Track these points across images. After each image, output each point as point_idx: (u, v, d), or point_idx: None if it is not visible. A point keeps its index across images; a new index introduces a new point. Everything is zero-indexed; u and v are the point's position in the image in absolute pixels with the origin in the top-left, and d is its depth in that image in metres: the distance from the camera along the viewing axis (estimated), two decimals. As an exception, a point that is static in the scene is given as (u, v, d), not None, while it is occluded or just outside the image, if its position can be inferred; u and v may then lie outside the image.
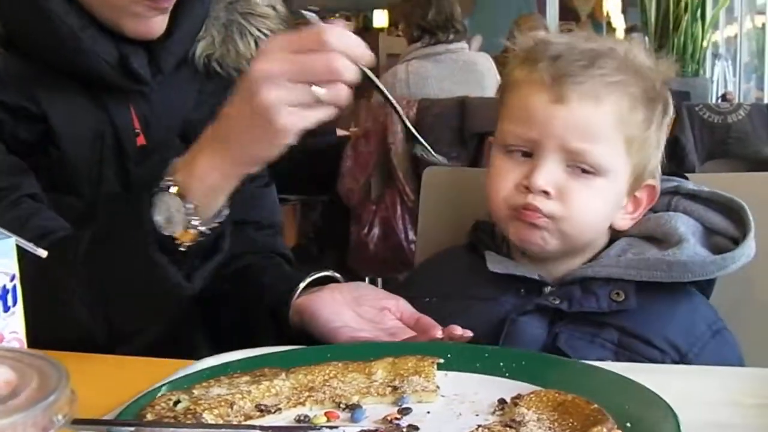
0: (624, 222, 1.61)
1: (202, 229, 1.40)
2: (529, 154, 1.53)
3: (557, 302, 1.51)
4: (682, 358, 1.47)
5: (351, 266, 4.91)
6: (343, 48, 1.25)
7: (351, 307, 1.53)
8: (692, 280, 1.50)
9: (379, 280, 5.27)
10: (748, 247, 1.51)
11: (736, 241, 1.53)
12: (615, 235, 1.63)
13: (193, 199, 1.38)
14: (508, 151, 1.56)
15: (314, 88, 1.26)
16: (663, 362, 1.45)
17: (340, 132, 6.32)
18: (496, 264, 1.60)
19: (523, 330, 1.50)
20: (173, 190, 1.38)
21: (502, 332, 1.50)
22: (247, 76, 1.30)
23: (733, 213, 1.57)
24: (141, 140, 1.68)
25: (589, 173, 1.51)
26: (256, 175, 1.84)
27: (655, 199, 1.61)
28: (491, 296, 1.57)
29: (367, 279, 5.36)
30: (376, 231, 4.63)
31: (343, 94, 1.27)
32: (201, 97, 1.76)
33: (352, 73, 1.26)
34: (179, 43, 1.69)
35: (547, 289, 1.56)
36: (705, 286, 1.56)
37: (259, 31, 1.76)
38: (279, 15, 1.80)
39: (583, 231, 1.55)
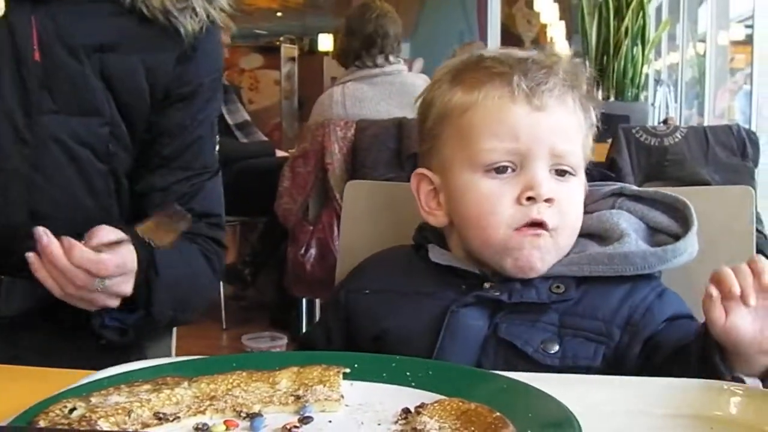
0: None
1: None
2: (513, 168, 1.51)
3: (497, 294, 1.50)
4: (627, 322, 1.47)
5: (287, 287, 4.89)
6: None
7: None
8: (634, 273, 1.49)
9: (317, 301, 5.24)
10: (691, 244, 1.51)
11: (679, 238, 1.53)
12: None
13: None
14: (487, 171, 1.52)
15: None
16: (608, 332, 1.46)
17: (279, 153, 6.31)
18: (438, 255, 1.59)
19: (464, 321, 1.49)
20: None
21: (443, 325, 1.49)
22: None
23: (678, 212, 1.57)
24: (36, 56, 1.65)
25: (567, 175, 1.53)
26: (196, 172, 1.82)
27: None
28: (431, 291, 1.56)
29: (304, 300, 5.34)
30: (312, 251, 4.61)
31: None
32: (130, 42, 1.74)
33: None
34: None
35: (487, 285, 1.54)
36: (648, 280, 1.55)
37: None
38: None
39: (571, 238, 1.56)
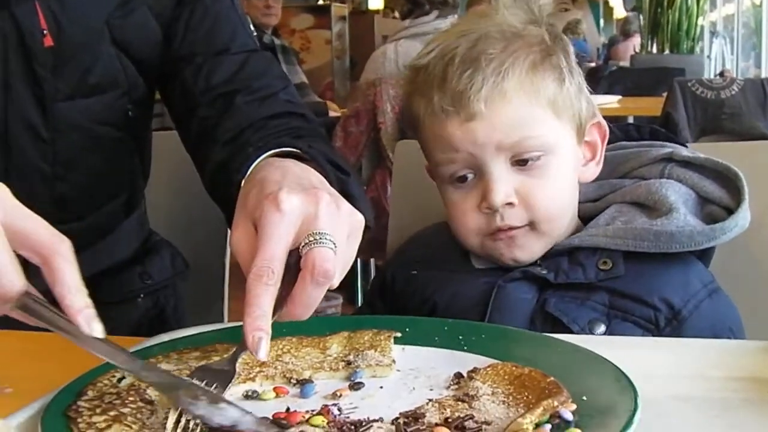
0: (589, 172, 1.58)
1: None
2: (472, 174, 1.50)
3: (544, 272, 1.48)
4: (675, 316, 1.43)
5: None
6: None
7: None
8: (679, 251, 1.45)
9: (372, 260, 5.24)
10: (742, 218, 1.46)
11: (731, 211, 1.48)
12: (607, 201, 1.59)
13: None
14: (450, 182, 1.52)
15: None
16: (656, 320, 1.43)
17: (332, 113, 6.28)
18: (479, 261, 1.57)
19: (511, 295, 1.48)
20: None
21: (491, 298, 1.48)
22: None
23: (729, 182, 1.52)
24: (48, 41, 1.53)
25: (537, 160, 1.47)
26: (235, 51, 1.67)
27: (606, 133, 1.58)
28: (480, 267, 1.55)
29: (358, 260, 5.33)
30: (366, 211, 4.59)
31: None
32: (130, 1, 1.61)
33: None
34: None
35: (538, 261, 1.52)
36: (701, 254, 1.51)
37: None
38: None
39: (560, 219, 1.52)
